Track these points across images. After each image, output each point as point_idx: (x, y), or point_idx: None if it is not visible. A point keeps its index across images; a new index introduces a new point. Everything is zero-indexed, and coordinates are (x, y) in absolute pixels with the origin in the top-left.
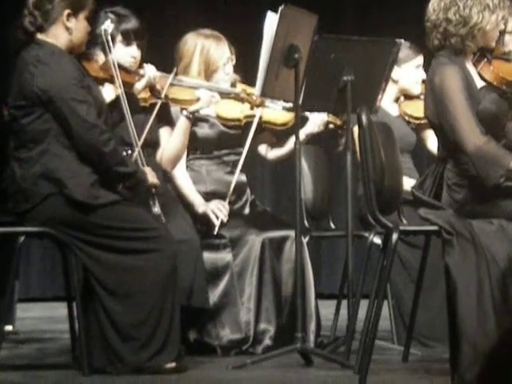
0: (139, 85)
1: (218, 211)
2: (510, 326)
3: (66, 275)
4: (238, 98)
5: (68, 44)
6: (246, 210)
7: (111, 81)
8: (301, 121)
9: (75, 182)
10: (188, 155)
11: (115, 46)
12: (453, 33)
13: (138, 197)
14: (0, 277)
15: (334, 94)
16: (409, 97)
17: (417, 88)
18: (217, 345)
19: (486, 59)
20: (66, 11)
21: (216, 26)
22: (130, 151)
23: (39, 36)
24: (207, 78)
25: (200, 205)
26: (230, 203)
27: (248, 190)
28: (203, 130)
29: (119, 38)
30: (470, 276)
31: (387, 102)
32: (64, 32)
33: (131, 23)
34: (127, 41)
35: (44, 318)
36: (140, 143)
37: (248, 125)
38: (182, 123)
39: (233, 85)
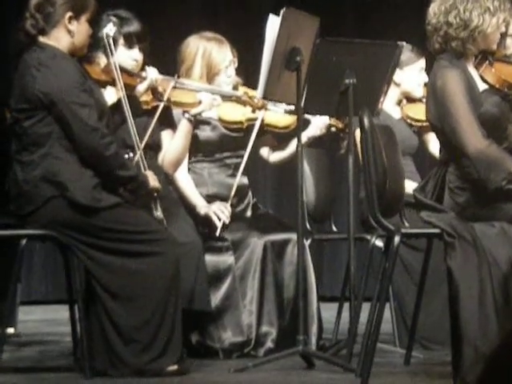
0: (141, 87)
1: (220, 213)
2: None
3: (68, 278)
4: (239, 100)
5: (70, 47)
6: (248, 213)
7: (113, 83)
8: (303, 124)
9: (77, 184)
10: (190, 158)
11: (117, 49)
12: (453, 36)
13: (140, 200)
14: (2, 279)
15: (335, 97)
16: (411, 100)
17: (419, 91)
18: (219, 347)
19: (487, 62)
20: (68, 14)
21: (218, 29)
22: (131, 154)
23: (41, 39)
24: (209, 80)
25: (202, 207)
26: (231, 206)
27: (250, 193)
28: (205, 133)
29: (121, 41)
30: (472, 279)
31: (389, 105)
32: (66, 35)
33: (133, 26)
34: (129, 44)
35: (46, 320)
36: (142, 146)
37: (250, 127)
38: (184, 126)
39: (235, 88)
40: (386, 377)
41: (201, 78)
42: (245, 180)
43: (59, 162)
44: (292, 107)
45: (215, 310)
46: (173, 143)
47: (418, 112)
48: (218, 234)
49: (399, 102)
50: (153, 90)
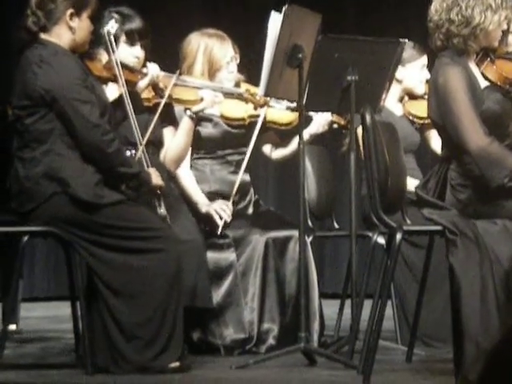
0: (142, 83)
1: (221, 211)
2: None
3: (70, 274)
4: (241, 98)
5: (71, 43)
6: (250, 210)
7: (114, 80)
8: (305, 121)
9: (79, 181)
10: (192, 155)
11: (119, 45)
12: (455, 33)
13: (142, 197)
14: (4, 276)
15: (337, 94)
16: (413, 96)
17: (421, 88)
18: (220, 344)
19: (489, 59)
20: (69, 11)
21: (219, 26)
22: (133, 151)
23: (42, 36)
24: (211, 77)
25: (203, 205)
26: (233, 203)
27: (252, 190)
28: (207, 130)
29: (123, 37)
30: (474, 276)
31: (391, 102)
32: (67, 31)
33: (135, 23)
34: (131, 41)
35: (48, 317)
36: (144, 143)
37: (252, 124)
38: (186, 123)
39: (237, 84)
40: (388, 374)
41: (202, 75)
42: (247, 177)
43: (61, 159)
44: (294, 104)
45: (217, 307)
46: (174, 140)
47: (420, 109)
48: (219, 232)
49: (401, 99)
50: (154, 86)
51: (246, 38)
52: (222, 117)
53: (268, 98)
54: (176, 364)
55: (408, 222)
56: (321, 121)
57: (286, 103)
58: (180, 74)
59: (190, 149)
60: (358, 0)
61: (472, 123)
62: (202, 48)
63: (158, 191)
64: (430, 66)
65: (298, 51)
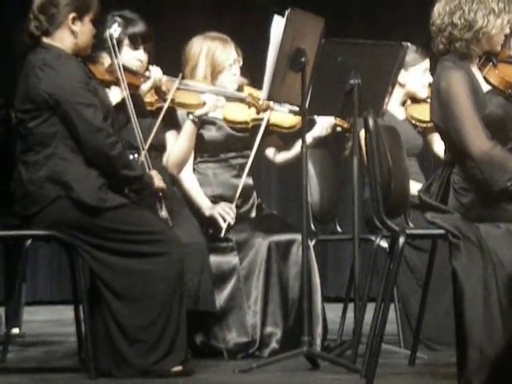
0: (145, 86)
1: (225, 214)
2: None
3: (73, 278)
4: (244, 102)
5: (74, 47)
6: (253, 214)
7: (117, 83)
8: (308, 124)
9: (83, 185)
10: (195, 158)
11: (122, 49)
12: (458, 37)
13: (145, 200)
14: (7, 280)
15: (340, 98)
16: (415, 100)
17: (423, 91)
18: (223, 348)
19: (491, 63)
20: (72, 15)
21: (222, 29)
22: (136, 155)
23: (45, 40)
24: (213, 79)
25: (207, 208)
26: (236, 207)
27: (254, 194)
28: (210, 133)
29: (126, 41)
30: (477, 280)
31: (394, 106)
32: (70, 35)
33: (138, 27)
34: (134, 44)
35: (51, 321)
36: (146, 147)
37: (255, 127)
38: (188, 127)
39: (240, 88)
40: (391, 378)
41: (205, 79)
42: (249, 180)
43: (64, 163)
44: (297, 108)
45: (220, 311)
46: (177, 144)
47: (423, 113)
48: (222, 234)
49: (403, 103)
50: (157, 89)
51: (248, 41)
52: (225, 120)
53: (271, 102)
54: (179, 368)
55: (411, 225)
56: (324, 124)
57: (289, 106)
58: (183, 77)
59: (193, 152)
60: (361, 4)
61: (475, 127)
62: (204, 51)
63: (160, 194)
64: (433, 70)
65: (300, 55)
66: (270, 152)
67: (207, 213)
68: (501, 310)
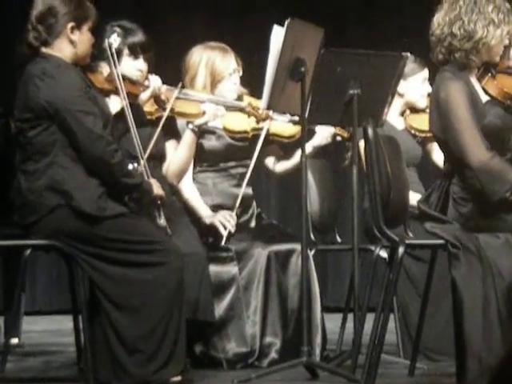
0: (144, 95)
1: (225, 222)
2: None
3: (72, 288)
4: (244, 111)
5: (73, 57)
6: (252, 223)
7: (116, 92)
8: (308, 134)
9: (83, 193)
10: (195, 167)
11: (122, 59)
12: (457, 47)
13: (144, 209)
14: (6, 290)
15: (340, 108)
16: (414, 110)
17: (422, 101)
18: (222, 358)
19: (490, 74)
20: (70, 24)
21: (222, 39)
22: (136, 164)
23: (44, 50)
24: (213, 89)
25: (207, 216)
26: (236, 216)
27: (254, 203)
28: (210, 142)
29: (126, 51)
30: (476, 290)
31: (393, 116)
32: (68, 45)
33: (138, 37)
34: (134, 54)
35: (50, 330)
36: (146, 156)
37: (255, 137)
38: (188, 137)
39: (240, 98)
40: None
41: (204, 88)
42: (249, 190)
43: (64, 171)
44: (297, 117)
45: (219, 321)
46: (177, 154)
47: (422, 122)
48: (223, 243)
49: (402, 113)
50: (156, 98)
51: (248, 51)
52: (225, 130)
53: (270, 111)
54: (178, 378)
55: (410, 235)
56: (324, 133)
57: (288, 116)
58: (182, 86)
59: (193, 162)
60: (360, 14)
61: (473, 138)
62: (204, 61)
63: (159, 201)
64: (431, 80)
65: (300, 65)
66: (269, 161)
67: (208, 221)
68: (500, 320)
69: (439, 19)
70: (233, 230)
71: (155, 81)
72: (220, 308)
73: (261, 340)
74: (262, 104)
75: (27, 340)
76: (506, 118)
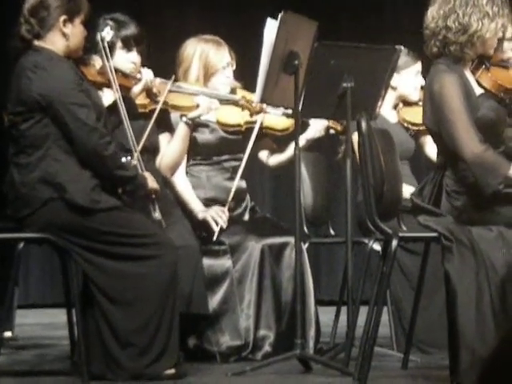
0: (136, 88)
1: (217, 217)
2: (508, 333)
3: (66, 281)
4: (237, 104)
5: (65, 49)
6: (246, 217)
7: (109, 85)
8: (301, 127)
9: (76, 186)
10: (188, 161)
11: (115, 52)
12: (452, 40)
13: (138, 202)
14: None
15: (333, 101)
16: (407, 103)
17: (415, 94)
18: (216, 351)
19: (484, 66)
20: (62, 17)
21: (216, 32)
22: (129, 157)
23: (36, 43)
24: (206, 82)
25: (199, 211)
26: (229, 210)
27: (248, 197)
28: (204, 136)
29: (119, 44)
30: (470, 283)
31: (386, 109)
32: (61, 38)
33: (131, 29)
34: (127, 47)
35: (43, 324)
36: (139, 149)
37: (249, 130)
38: (181, 130)
39: (233, 91)
40: (384, 381)
41: (197, 81)
42: (243, 183)
43: (57, 164)
44: (290, 110)
45: (213, 314)
46: (170, 147)
47: (415, 116)
48: (214, 238)
49: (395, 106)
50: (148, 91)
51: (242, 45)
52: (219, 123)
53: (264, 105)
54: (171, 371)
55: (404, 228)
56: (317, 126)
57: (282, 109)
58: (176, 79)
59: (186, 155)
60: (353, 7)
61: (467, 131)
62: (197, 53)
63: (153, 195)
64: (425, 73)
65: (293, 58)
66: (263, 155)
67: (200, 216)
68: (493, 313)
69: (433, 12)
70: (224, 226)
71: (147, 74)
72: (214, 301)
73: (254, 333)
74: (255, 97)
75: (20, 333)
76: (500, 111)
